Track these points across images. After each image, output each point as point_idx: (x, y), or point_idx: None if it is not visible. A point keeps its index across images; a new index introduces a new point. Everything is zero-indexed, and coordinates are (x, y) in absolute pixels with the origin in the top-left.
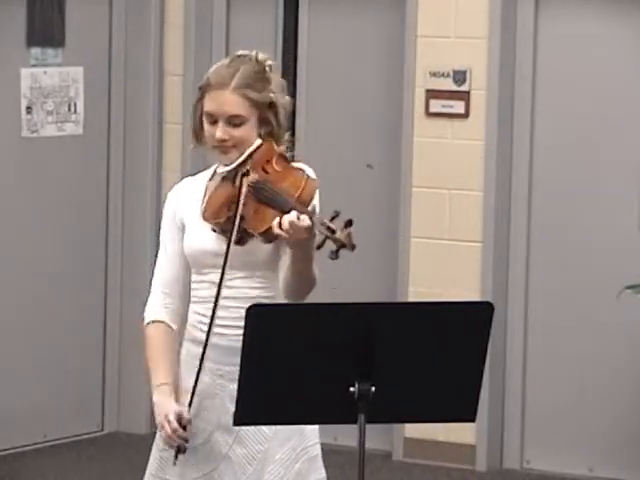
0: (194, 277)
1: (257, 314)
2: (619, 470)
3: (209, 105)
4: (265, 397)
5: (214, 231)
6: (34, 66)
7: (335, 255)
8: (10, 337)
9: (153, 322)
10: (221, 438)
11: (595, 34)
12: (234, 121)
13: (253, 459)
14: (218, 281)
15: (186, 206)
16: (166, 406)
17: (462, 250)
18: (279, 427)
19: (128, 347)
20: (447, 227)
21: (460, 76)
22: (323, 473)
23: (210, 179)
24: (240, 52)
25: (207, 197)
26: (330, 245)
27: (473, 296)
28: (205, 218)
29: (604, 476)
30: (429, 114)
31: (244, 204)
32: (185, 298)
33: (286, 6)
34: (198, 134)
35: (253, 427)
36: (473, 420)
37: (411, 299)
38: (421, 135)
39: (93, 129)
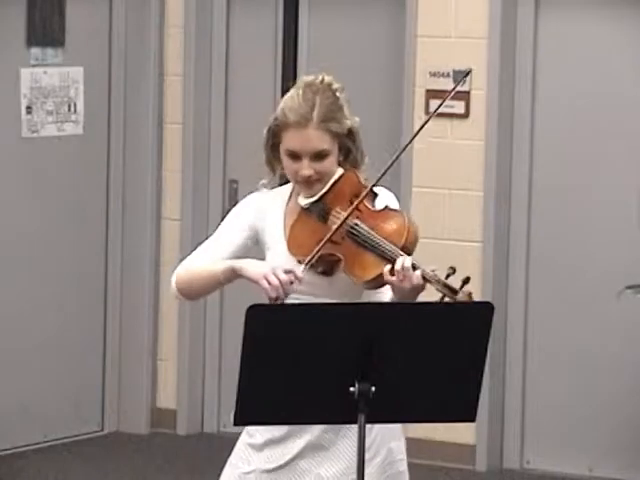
0: None
1: (257, 314)
2: (619, 470)
3: (292, 144)
4: (265, 397)
5: (299, 262)
6: (34, 66)
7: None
8: (10, 337)
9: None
10: (310, 456)
11: (595, 34)
12: (319, 156)
13: (345, 476)
14: None
15: (267, 222)
16: (265, 263)
17: (462, 250)
18: (367, 441)
19: (128, 347)
20: (447, 227)
21: (460, 76)
22: None
23: (289, 200)
24: (305, 79)
25: (290, 227)
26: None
27: (473, 296)
28: (292, 253)
29: (604, 476)
30: (429, 114)
31: (337, 243)
32: None
33: (286, 6)
34: (273, 165)
35: (346, 445)
36: (473, 420)
37: None
38: (421, 135)
39: (93, 129)
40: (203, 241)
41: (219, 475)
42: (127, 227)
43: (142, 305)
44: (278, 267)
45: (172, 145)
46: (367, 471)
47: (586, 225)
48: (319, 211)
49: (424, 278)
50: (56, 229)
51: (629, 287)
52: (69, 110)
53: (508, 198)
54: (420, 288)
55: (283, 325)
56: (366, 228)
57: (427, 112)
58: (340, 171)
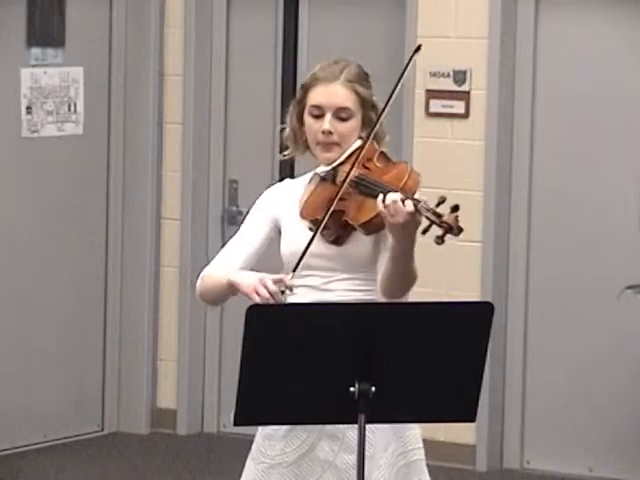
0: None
1: (257, 314)
2: (619, 470)
3: (317, 98)
4: (265, 397)
5: (310, 230)
6: (34, 66)
7: (441, 240)
8: (10, 337)
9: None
10: (326, 446)
11: (595, 34)
12: (342, 114)
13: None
14: (317, 284)
15: (284, 206)
16: (255, 274)
17: (462, 250)
18: (378, 432)
19: (128, 347)
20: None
21: (460, 76)
22: (423, 477)
23: (309, 182)
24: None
25: (305, 196)
26: (435, 231)
27: (473, 296)
28: (302, 216)
29: (604, 476)
30: (429, 114)
31: (344, 199)
32: None
33: (286, 6)
34: (296, 135)
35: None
36: (473, 420)
37: (411, 299)
38: (421, 135)
39: (93, 129)
40: (203, 241)
41: (219, 475)
42: (127, 227)
43: (142, 305)
44: (266, 277)
45: (172, 145)
46: (381, 462)
47: (586, 225)
48: (333, 177)
49: (415, 207)
50: (56, 229)
51: (629, 287)
52: (69, 110)
53: (508, 198)
54: (413, 222)
55: (283, 325)
56: (370, 177)
57: (427, 112)
58: (359, 142)
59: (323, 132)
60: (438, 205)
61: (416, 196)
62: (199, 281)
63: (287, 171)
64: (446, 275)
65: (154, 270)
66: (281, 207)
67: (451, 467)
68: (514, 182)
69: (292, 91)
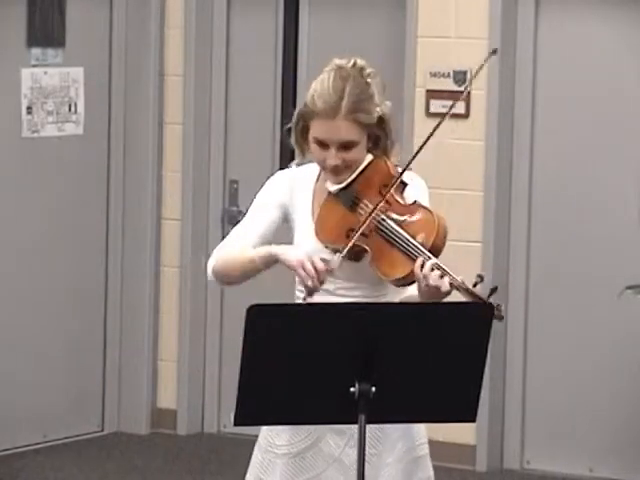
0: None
1: (257, 314)
2: (619, 470)
3: (319, 133)
4: (265, 397)
5: (327, 247)
6: (34, 66)
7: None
8: (10, 337)
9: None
10: (332, 441)
11: (595, 34)
12: (346, 146)
13: (367, 463)
14: (331, 289)
15: (296, 200)
16: (300, 250)
17: (462, 250)
18: (388, 429)
19: (128, 347)
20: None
21: (460, 76)
22: (428, 473)
23: (317, 181)
24: (337, 61)
25: (319, 212)
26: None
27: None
28: (319, 238)
29: (604, 476)
30: (429, 114)
31: (365, 235)
32: None
33: (286, 6)
34: (302, 148)
35: (367, 430)
36: (473, 420)
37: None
38: (421, 135)
39: (93, 129)
40: (203, 241)
41: (219, 475)
42: (127, 227)
43: (142, 305)
44: (315, 255)
45: (172, 145)
46: (389, 460)
47: (586, 225)
48: (347, 198)
49: (451, 285)
50: (56, 229)
51: (629, 287)
52: (69, 110)
53: (508, 198)
54: (445, 292)
55: (283, 325)
56: (393, 225)
57: (427, 112)
58: (369, 157)
59: (330, 166)
60: (475, 285)
61: (455, 275)
62: (212, 261)
63: None
64: None
65: (154, 270)
66: (293, 199)
67: (451, 467)
68: (514, 182)
69: (292, 91)
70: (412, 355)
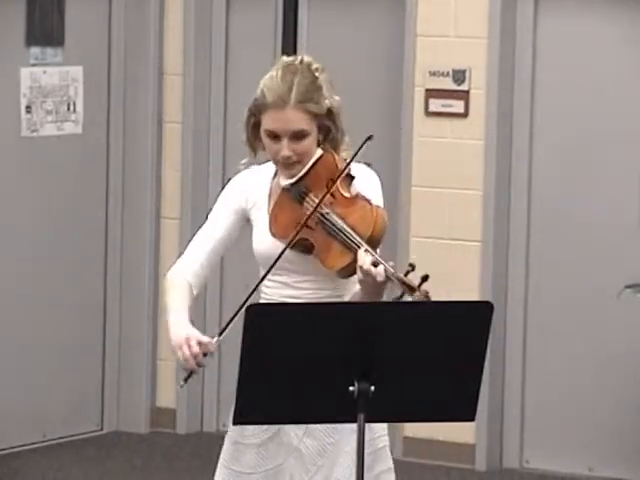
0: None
1: (257, 314)
2: (619, 470)
3: (270, 124)
4: (264, 396)
5: (280, 241)
6: (34, 65)
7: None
8: (10, 337)
9: (179, 276)
10: (291, 431)
11: (595, 33)
12: (297, 136)
13: (324, 452)
14: (289, 282)
15: (253, 199)
16: (186, 328)
17: (462, 250)
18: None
19: (128, 347)
20: (447, 227)
21: (460, 75)
22: (388, 464)
23: (274, 177)
24: (285, 59)
25: (272, 207)
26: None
27: (472, 296)
28: (274, 235)
29: (604, 476)
30: (429, 113)
31: (311, 228)
32: (208, 280)
33: (286, 6)
34: (254, 146)
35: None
36: (473, 420)
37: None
38: (421, 134)
39: (93, 128)
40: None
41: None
42: (127, 226)
43: (142, 305)
44: (193, 337)
45: (172, 145)
46: (346, 448)
47: (586, 225)
48: (296, 193)
49: (386, 276)
50: (55, 228)
51: (629, 287)
52: (68, 109)
53: (508, 198)
54: (380, 282)
55: (282, 325)
56: (335, 218)
57: (426, 111)
58: (319, 152)
59: (283, 157)
60: (407, 274)
61: (387, 264)
62: (169, 275)
63: None
64: (446, 275)
65: (154, 269)
66: (250, 200)
67: (451, 466)
68: (514, 182)
69: None
70: (411, 354)
